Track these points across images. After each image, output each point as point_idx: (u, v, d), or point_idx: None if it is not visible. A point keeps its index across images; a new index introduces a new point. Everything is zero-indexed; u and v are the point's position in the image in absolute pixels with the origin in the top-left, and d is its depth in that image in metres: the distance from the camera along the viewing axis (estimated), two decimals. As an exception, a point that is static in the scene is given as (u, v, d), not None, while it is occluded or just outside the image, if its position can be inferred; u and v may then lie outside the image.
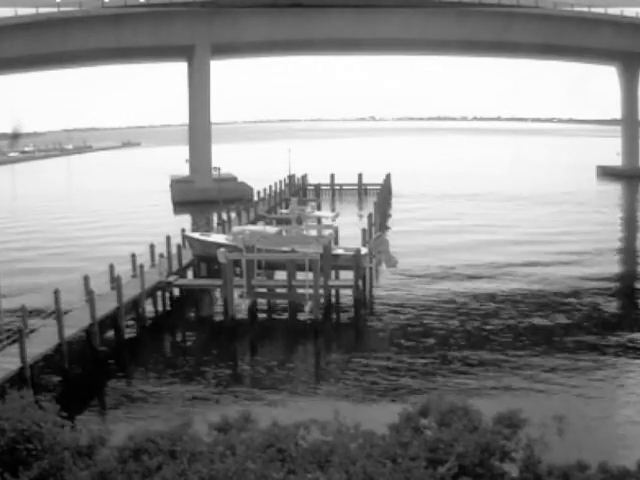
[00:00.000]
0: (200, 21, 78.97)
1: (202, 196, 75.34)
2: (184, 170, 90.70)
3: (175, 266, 37.99)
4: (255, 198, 68.55)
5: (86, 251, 50.15)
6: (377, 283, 39.86)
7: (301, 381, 26.82)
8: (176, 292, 37.56)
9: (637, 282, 43.14)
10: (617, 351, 28.75)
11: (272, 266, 37.85)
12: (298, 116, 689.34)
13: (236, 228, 41.42)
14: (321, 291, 33.77)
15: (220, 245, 37.99)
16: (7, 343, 24.86)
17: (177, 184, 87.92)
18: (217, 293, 37.30)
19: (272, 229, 40.12)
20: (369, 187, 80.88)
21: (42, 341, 25.84)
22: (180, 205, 77.17)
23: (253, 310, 34.80)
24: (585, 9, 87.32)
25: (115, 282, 31.52)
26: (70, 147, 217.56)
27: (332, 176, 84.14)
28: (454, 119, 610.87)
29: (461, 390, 23.90)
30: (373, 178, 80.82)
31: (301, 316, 34.03)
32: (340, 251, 38.44)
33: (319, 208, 61.49)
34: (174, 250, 38.68)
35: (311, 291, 33.39)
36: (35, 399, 10.62)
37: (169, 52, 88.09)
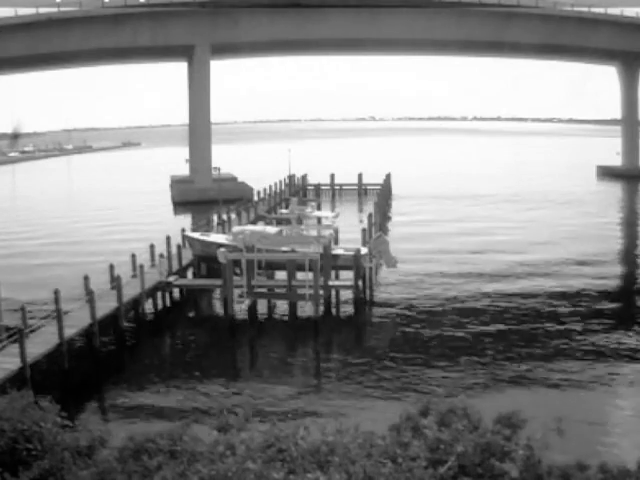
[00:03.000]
0: (200, 21, 78.97)
1: (202, 196, 75.33)
2: (184, 170, 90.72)
3: (175, 266, 38.01)
4: (255, 198, 68.57)
5: (86, 251, 50.16)
6: (377, 283, 39.85)
7: (301, 381, 26.82)
8: (176, 292, 37.58)
9: (638, 283, 43.21)
10: (618, 354, 28.77)
11: (272, 266, 37.87)
12: (298, 116, 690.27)
13: (236, 228, 41.43)
14: (321, 291, 33.78)
15: (220, 245, 38.00)
16: (7, 343, 24.90)
17: (177, 184, 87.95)
18: (217, 293, 37.31)
19: (272, 229, 40.13)
20: (369, 187, 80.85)
21: (42, 341, 25.86)
22: (180, 205, 77.17)
23: (253, 310, 34.80)
24: (585, 9, 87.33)
25: (115, 282, 31.54)
26: (70, 147, 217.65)
27: (332, 176, 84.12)
28: (454, 119, 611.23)
29: (461, 389, 23.92)
30: (373, 178, 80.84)
31: (301, 316, 34.04)
32: (340, 251, 38.44)
33: (319, 208, 61.49)
34: (174, 250, 38.70)
35: (311, 291, 33.41)
36: (35, 399, 10.61)
37: (169, 52, 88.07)
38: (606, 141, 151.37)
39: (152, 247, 39.13)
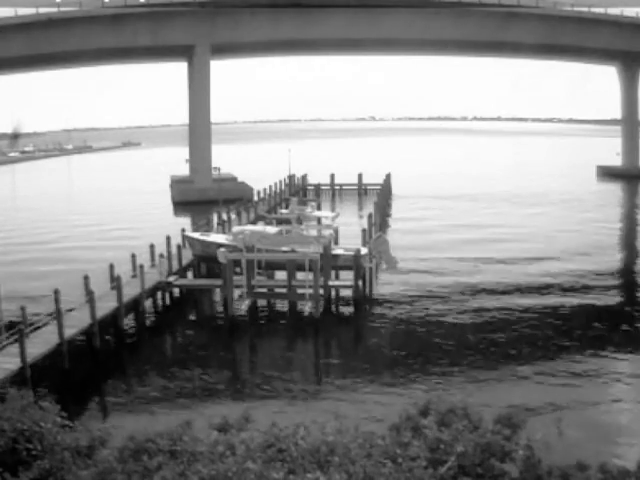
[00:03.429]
0: (200, 21, 78.95)
1: (202, 196, 75.35)
2: (184, 170, 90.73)
3: (175, 266, 38.01)
4: (255, 198, 68.58)
5: (86, 250, 50.15)
6: (377, 283, 39.84)
7: (301, 381, 26.80)
8: (176, 292, 37.57)
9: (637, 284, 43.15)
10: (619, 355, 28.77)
11: (272, 266, 37.86)
12: (298, 116, 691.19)
13: (236, 228, 41.43)
14: (321, 291, 33.77)
15: (220, 245, 38.01)
16: (7, 343, 24.90)
17: (177, 184, 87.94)
18: (217, 293, 37.31)
19: (272, 229, 40.13)
20: (369, 187, 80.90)
21: (42, 341, 25.86)
22: (180, 205, 77.17)
23: (253, 310, 34.78)
24: (585, 9, 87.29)
25: (115, 282, 31.54)
26: (70, 147, 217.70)
27: (332, 176, 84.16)
28: (454, 119, 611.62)
29: (460, 390, 23.91)
30: (373, 178, 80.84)
31: (301, 316, 34.03)
32: (340, 251, 38.43)
33: (319, 208, 61.46)
34: (174, 250, 38.70)
35: (311, 291, 33.40)
36: (35, 399, 10.62)
37: (169, 52, 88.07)
38: (606, 141, 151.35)
39: (152, 247, 39.14)
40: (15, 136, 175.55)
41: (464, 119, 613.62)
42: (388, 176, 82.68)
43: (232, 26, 79.18)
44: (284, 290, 35.00)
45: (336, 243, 42.02)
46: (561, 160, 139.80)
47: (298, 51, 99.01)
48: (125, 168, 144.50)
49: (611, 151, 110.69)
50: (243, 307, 34.58)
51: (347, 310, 35.51)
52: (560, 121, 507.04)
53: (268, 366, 28.32)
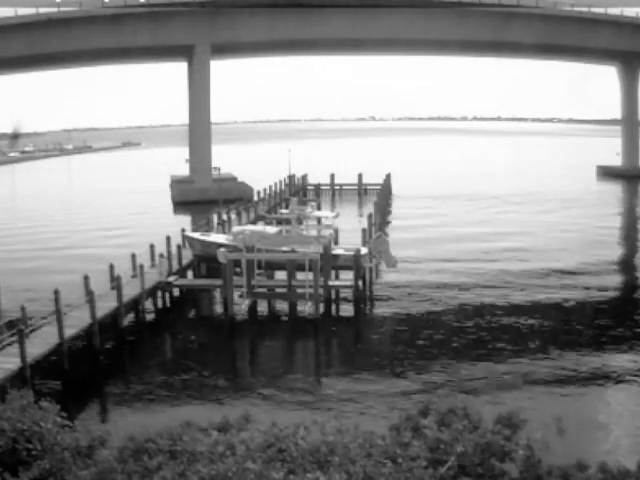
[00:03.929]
0: (200, 21, 78.98)
1: (202, 196, 75.36)
2: (184, 170, 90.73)
3: (175, 266, 38.02)
4: (255, 198, 68.59)
5: (86, 250, 50.15)
6: (377, 283, 39.82)
7: (301, 381, 26.79)
8: (176, 292, 37.57)
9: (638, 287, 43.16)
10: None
11: (272, 266, 37.87)
12: (298, 116, 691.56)
13: (236, 228, 41.41)
14: (321, 291, 33.77)
15: (220, 245, 38.01)
16: (7, 343, 24.90)
17: (177, 184, 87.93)
18: (217, 293, 37.31)
19: (272, 229, 40.12)
20: (369, 187, 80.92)
21: (42, 341, 25.85)
22: (180, 205, 77.18)
23: (253, 310, 34.79)
24: (585, 9, 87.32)
25: (115, 282, 31.54)
26: (70, 147, 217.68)
27: (332, 176, 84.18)
28: (454, 119, 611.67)
29: (460, 390, 23.91)
30: (373, 178, 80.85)
31: (301, 316, 34.03)
32: (340, 251, 38.45)
33: (319, 208, 61.42)
34: (174, 250, 38.70)
35: (311, 291, 33.41)
36: (35, 399, 10.61)
37: (169, 52, 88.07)
38: (606, 141, 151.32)
39: (152, 247, 39.13)
40: (15, 136, 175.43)
41: (464, 119, 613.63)
42: (388, 176, 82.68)
43: (232, 26, 79.21)
44: (284, 290, 35.01)
45: (336, 243, 42.02)
46: (561, 160, 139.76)
47: (298, 51, 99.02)
48: (125, 168, 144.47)
49: (611, 151, 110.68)
50: (243, 307, 34.57)
51: (347, 310, 35.49)
52: (560, 121, 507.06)
53: (268, 366, 28.33)
